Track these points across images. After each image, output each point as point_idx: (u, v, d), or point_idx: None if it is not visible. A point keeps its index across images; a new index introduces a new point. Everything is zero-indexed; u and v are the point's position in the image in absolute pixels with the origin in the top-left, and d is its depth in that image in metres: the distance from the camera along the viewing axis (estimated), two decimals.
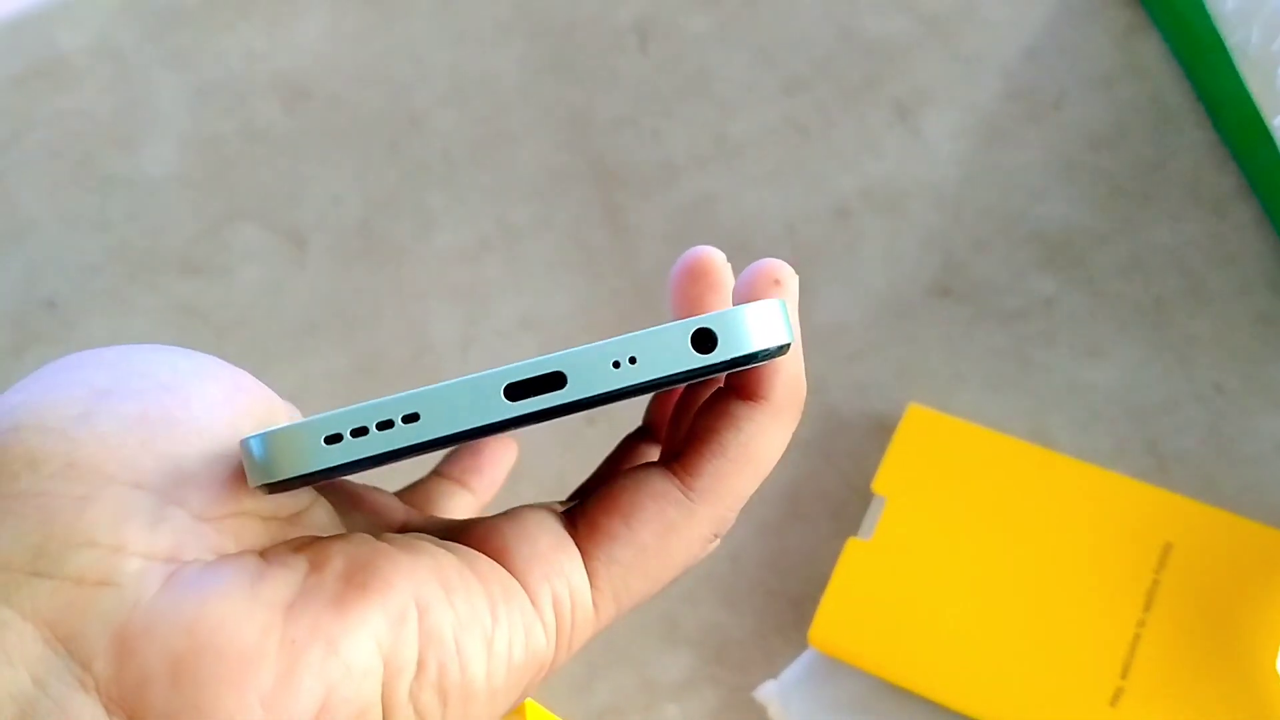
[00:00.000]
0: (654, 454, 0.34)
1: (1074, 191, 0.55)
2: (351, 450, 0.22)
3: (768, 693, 0.47)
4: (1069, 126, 0.56)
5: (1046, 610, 0.45)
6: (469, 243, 0.57)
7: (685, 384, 0.25)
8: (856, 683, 0.46)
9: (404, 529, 0.28)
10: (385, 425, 0.22)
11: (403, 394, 0.22)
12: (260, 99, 0.61)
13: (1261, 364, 0.51)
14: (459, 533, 0.26)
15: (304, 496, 0.26)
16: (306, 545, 0.24)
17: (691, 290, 0.28)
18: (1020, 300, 0.53)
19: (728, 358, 0.23)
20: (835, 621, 0.46)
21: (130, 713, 0.20)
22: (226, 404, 0.24)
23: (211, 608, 0.21)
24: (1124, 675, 0.44)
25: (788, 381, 0.27)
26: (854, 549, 0.47)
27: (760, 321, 0.24)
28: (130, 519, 0.21)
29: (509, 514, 0.27)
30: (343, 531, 0.26)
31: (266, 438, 0.21)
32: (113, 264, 0.58)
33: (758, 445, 0.27)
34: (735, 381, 0.27)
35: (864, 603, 0.46)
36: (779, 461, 0.51)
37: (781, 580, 0.50)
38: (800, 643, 0.48)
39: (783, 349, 0.25)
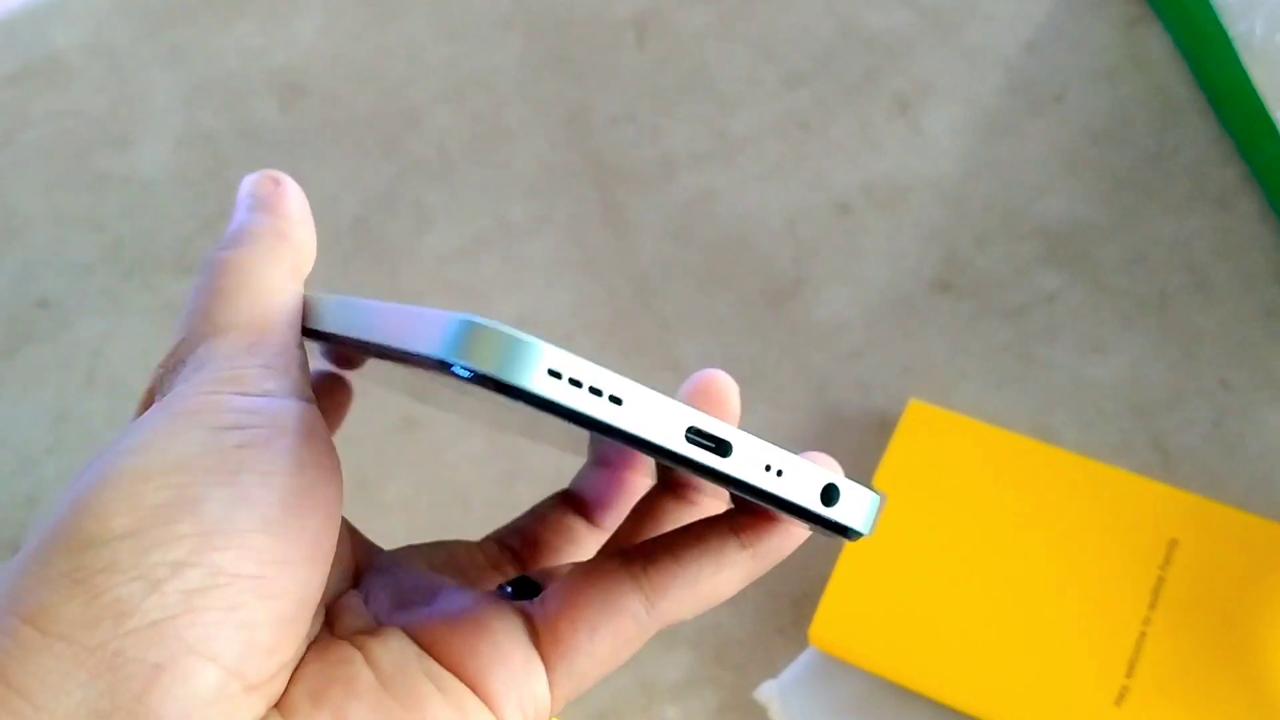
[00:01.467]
0: (581, 529, 0.34)
1: (1077, 185, 0.54)
2: (558, 393, 0.22)
3: (768, 692, 0.46)
4: (1071, 120, 0.55)
5: (1050, 608, 0.45)
6: (466, 240, 0.57)
7: (762, 504, 0.26)
8: (858, 682, 0.46)
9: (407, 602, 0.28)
10: (595, 392, 0.22)
11: (620, 377, 0.23)
12: (256, 97, 0.61)
13: (1268, 358, 0.50)
14: (438, 639, 0.26)
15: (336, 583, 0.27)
16: (324, 699, 0.24)
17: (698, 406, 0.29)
18: (1023, 296, 0.52)
19: (837, 521, 0.25)
20: (836, 620, 0.46)
21: None
22: (306, 563, 0.24)
23: None
24: (1129, 673, 0.43)
25: (786, 551, 0.28)
26: (854, 547, 0.47)
27: (870, 509, 0.26)
28: (196, 701, 0.21)
29: (479, 621, 0.26)
30: (364, 619, 0.27)
31: (503, 337, 0.22)
32: (107, 263, 0.58)
33: (729, 587, 0.27)
34: (746, 525, 0.27)
35: (865, 601, 0.46)
36: None
37: (781, 579, 0.49)
38: (801, 642, 0.47)
39: (852, 535, 0.26)
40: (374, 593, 0.28)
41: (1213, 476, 0.48)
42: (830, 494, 0.25)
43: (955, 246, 0.54)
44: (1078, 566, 0.45)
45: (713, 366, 0.52)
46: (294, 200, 0.30)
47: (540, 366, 0.22)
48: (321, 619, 0.27)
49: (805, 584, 0.49)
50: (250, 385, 0.25)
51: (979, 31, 0.58)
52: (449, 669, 0.26)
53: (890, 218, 0.55)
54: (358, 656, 0.25)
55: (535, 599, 0.27)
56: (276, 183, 0.30)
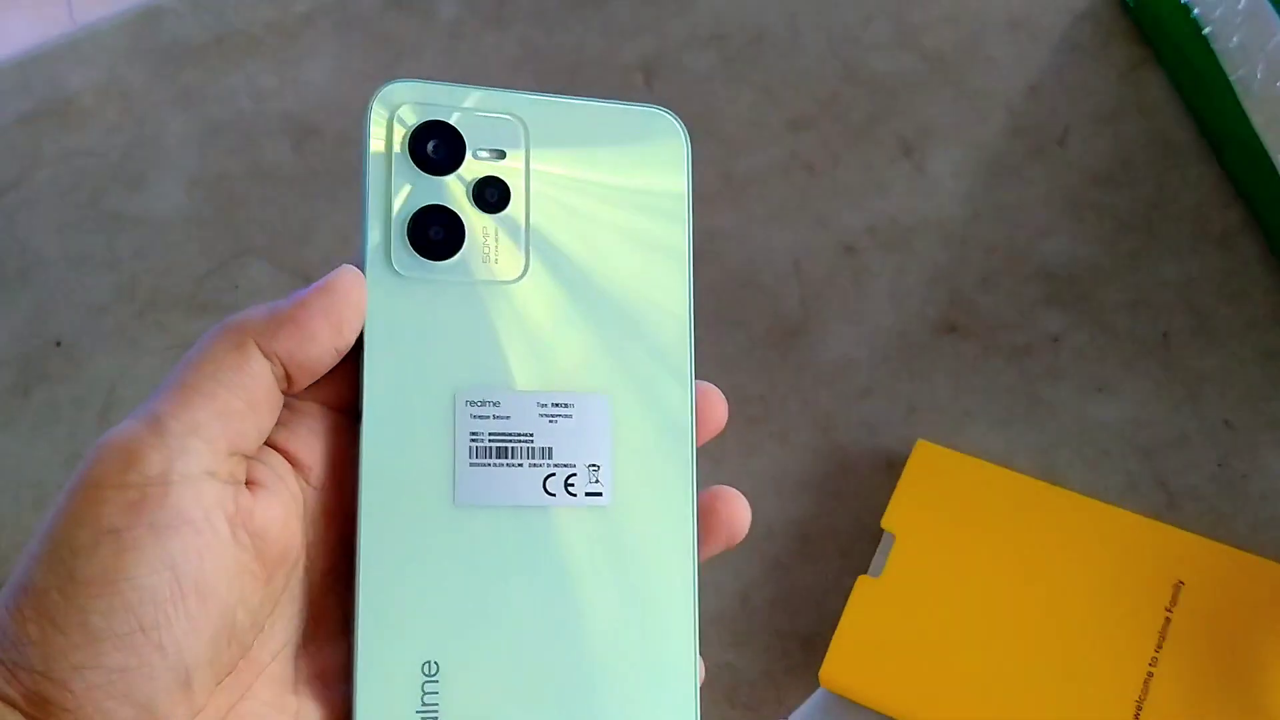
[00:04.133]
0: None
1: (1079, 227, 0.55)
2: None
3: None
4: (1074, 163, 0.56)
5: (1059, 649, 0.45)
6: None
7: None
8: None
9: None
10: None
11: None
12: (269, 138, 0.62)
13: (1270, 400, 0.51)
14: None
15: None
16: None
17: None
18: (1027, 336, 0.53)
19: None
20: (846, 660, 0.46)
21: None
22: (195, 632, 0.28)
23: None
24: (1137, 714, 0.44)
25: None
26: (864, 587, 0.47)
27: None
28: None
29: None
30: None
31: None
32: (120, 303, 0.58)
33: None
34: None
35: (875, 641, 0.46)
36: (787, 498, 0.51)
37: (791, 619, 0.49)
38: (811, 682, 0.48)
39: None
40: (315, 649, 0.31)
41: (1217, 517, 0.49)
42: None
43: (960, 287, 0.54)
44: (1085, 607, 0.46)
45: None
46: (316, 301, 0.30)
47: None
48: (285, 628, 0.30)
49: (815, 624, 0.49)
50: (136, 469, 0.27)
51: (982, 75, 0.59)
52: None
53: (895, 259, 0.55)
54: None
55: None
56: (324, 280, 0.31)
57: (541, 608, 0.31)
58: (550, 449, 0.32)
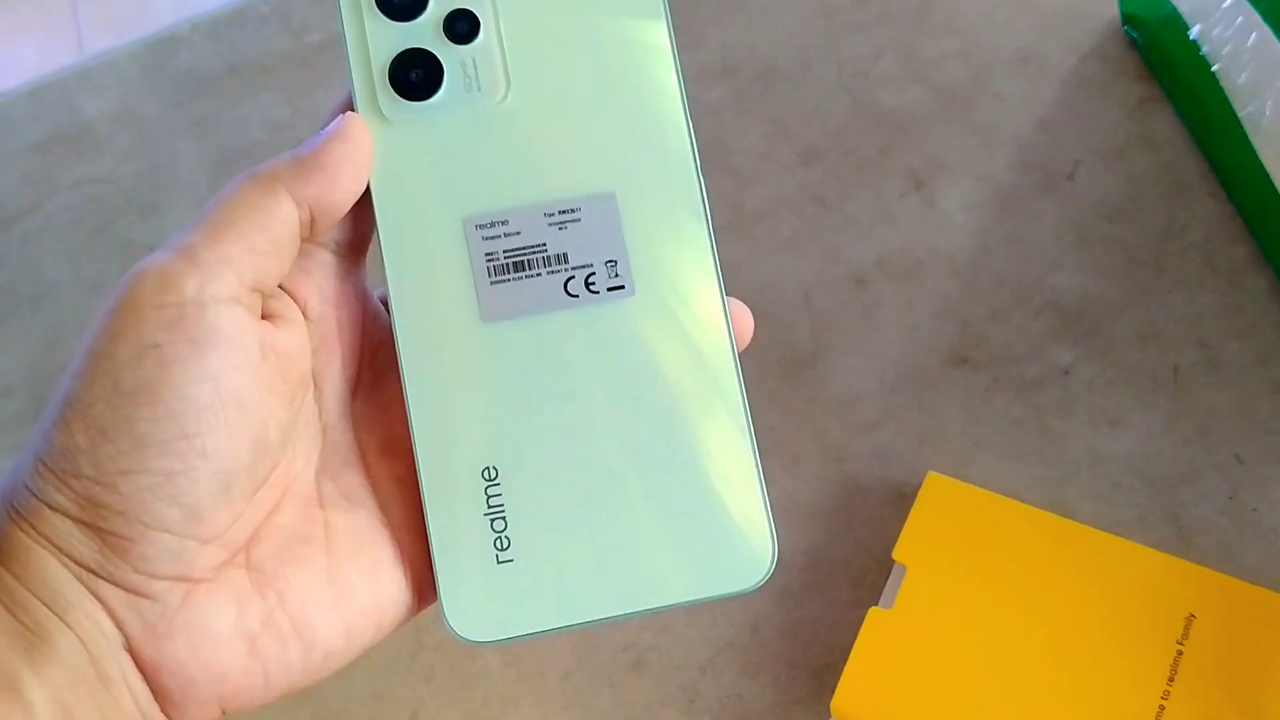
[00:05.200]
0: None
1: (1089, 261, 0.55)
2: None
3: None
4: (1083, 197, 0.56)
5: (1070, 682, 0.45)
6: None
7: None
8: None
9: None
10: None
11: None
12: None
13: None
14: (407, 519, 0.33)
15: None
16: (279, 571, 0.31)
17: None
18: (1038, 369, 0.53)
19: None
20: (857, 692, 0.46)
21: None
22: (234, 440, 0.29)
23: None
24: None
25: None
26: (875, 618, 0.47)
27: None
28: (161, 556, 0.29)
29: None
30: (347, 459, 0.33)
31: None
32: None
33: None
34: None
35: (886, 673, 0.46)
36: (798, 529, 0.51)
37: (802, 650, 0.49)
38: (821, 714, 0.48)
39: None
40: (374, 414, 0.34)
41: (1228, 551, 0.49)
42: None
43: (969, 320, 0.55)
44: (1096, 640, 0.46)
45: None
46: (337, 148, 0.32)
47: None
48: (306, 450, 0.32)
49: (826, 655, 0.49)
50: (173, 291, 0.29)
51: (991, 110, 0.59)
52: (401, 558, 0.32)
53: (905, 291, 0.56)
54: (319, 534, 0.32)
55: None
56: (337, 128, 0.32)
57: (586, 401, 0.32)
58: (565, 254, 0.32)
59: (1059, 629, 0.46)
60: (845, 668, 0.46)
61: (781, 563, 0.51)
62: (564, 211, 0.33)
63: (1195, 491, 0.50)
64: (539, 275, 0.32)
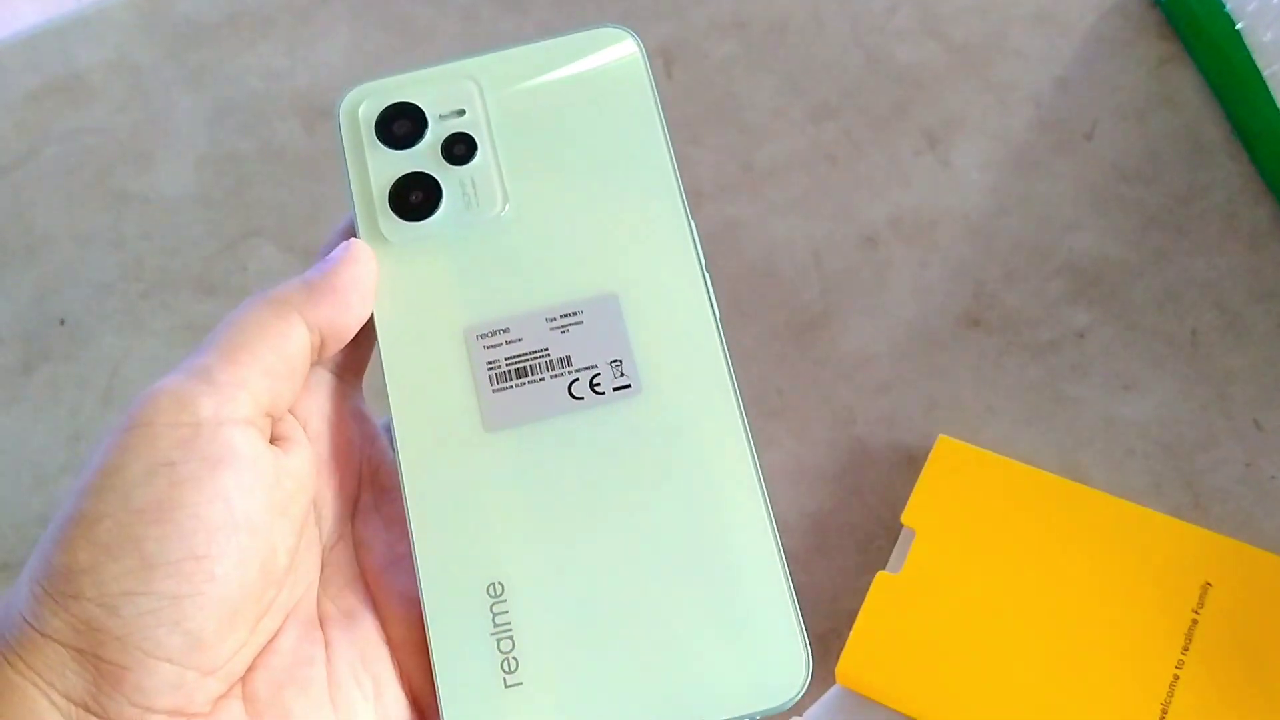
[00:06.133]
0: None
1: (1106, 223, 0.54)
2: None
3: None
4: (1101, 157, 0.55)
5: (1081, 650, 0.44)
6: None
7: None
8: None
9: None
10: None
11: None
12: (280, 118, 0.61)
13: None
14: (407, 641, 0.32)
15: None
16: (278, 697, 0.30)
17: None
18: (1052, 332, 0.52)
19: None
20: (863, 657, 0.45)
21: None
22: (244, 565, 0.28)
23: None
24: (1163, 717, 0.42)
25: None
26: (883, 583, 0.46)
27: None
28: (159, 688, 0.27)
29: None
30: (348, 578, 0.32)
31: None
32: (126, 282, 0.57)
33: None
34: None
35: (893, 639, 0.45)
36: (805, 492, 0.50)
37: (807, 615, 0.48)
38: (826, 679, 0.47)
39: None
40: (372, 534, 0.33)
41: (1245, 518, 0.48)
42: None
43: (983, 282, 0.53)
44: (1109, 608, 0.45)
45: None
46: (346, 272, 0.32)
47: None
48: (309, 573, 0.31)
49: (831, 620, 0.48)
50: (189, 411, 0.28)
51: (1009, 67, 0.58)
52: (403, 677, 0.31)
53: (918, 252, 0.54)
54: (320, 655, 0.30)
55: None
56: (345, 253, 0.33)
57: (595, 510, 0.30)
58: (568, 357, 0.32)
59: (1071, 596, 0.45)
60: (851, 633, 0.45)
61: (788, 526, 0.50)
62: (565, 315, 0.32)
63: (1212, 458, 0.49)
64: (542, 380, 0.31)
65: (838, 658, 0.45)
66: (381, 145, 0.34)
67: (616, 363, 0.31)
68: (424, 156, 0.34)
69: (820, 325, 0.53)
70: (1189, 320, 0.51)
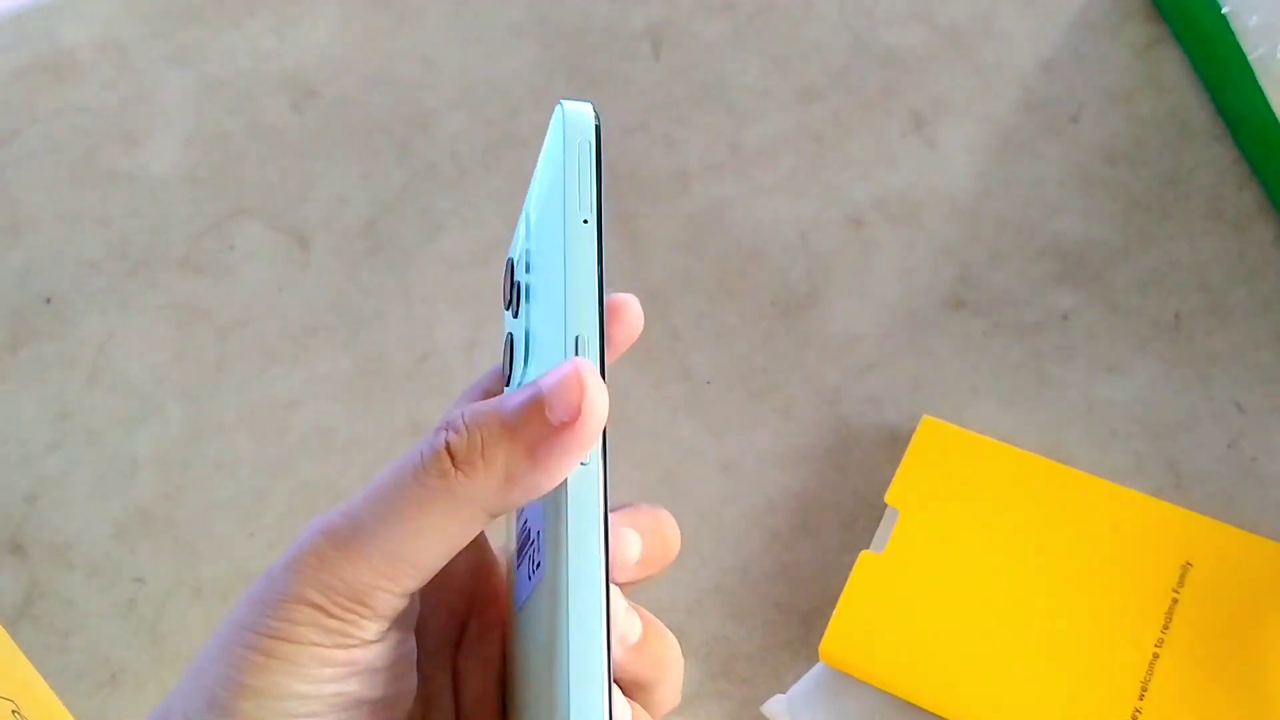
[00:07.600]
0: None
1: (1092, 205, 0.54)
2: None
3: (776, 707, 0.46)
4: (1087, 140, 0.55)
5: (1063, 628, 0.44)
6: (477, 246, 0.56)
7: None
8: (866, 698, 0.45)
9: None
10: None
11: None
12: (267, 97, 0.61)
13: None
14: None
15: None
16: None
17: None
18: (1037, 314, 0.52)
19: None
20: (846, 636, 0.45)
21: None
22: None
23: None
24: (1142, 695, 0.43)
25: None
26: (866, 562, 0.46)
27: None
28: None
29: None
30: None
31: None
32: (113, 261, 0.57)
33: None
34: None
35: (875, 617, 0.45)
36: (789, 472, 0.50)
37: (791, 593, 0.48)
38: (809, 657, 0.47)
39: None
40: (468, 678, 0.31)
41: (1227, 499, 0.48)
42: None
43: (969, 263, 0.53)
44: (1090, 587, 0.45)
45: (724, 377, 0.52)
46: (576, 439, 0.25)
47: None
48: None
49: (814, 599, 0.48)
50: (337, 633, 0.25)
51: (995, 50, 0.58)
52: None
53: (904, 233, 0.54)
54: None
55: None
56: (577, 412, 0.25)
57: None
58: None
59: (1053, 575, 0.45)
60: (835, 611, 0.45)
61: (772, 505, 0.50)
62: None
63: (1194, 439, 0.49)
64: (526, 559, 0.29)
65: (821, 636, 0.45)
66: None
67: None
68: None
69: (806, 305, 0.53)
70: (1172, 303, 0.52)
